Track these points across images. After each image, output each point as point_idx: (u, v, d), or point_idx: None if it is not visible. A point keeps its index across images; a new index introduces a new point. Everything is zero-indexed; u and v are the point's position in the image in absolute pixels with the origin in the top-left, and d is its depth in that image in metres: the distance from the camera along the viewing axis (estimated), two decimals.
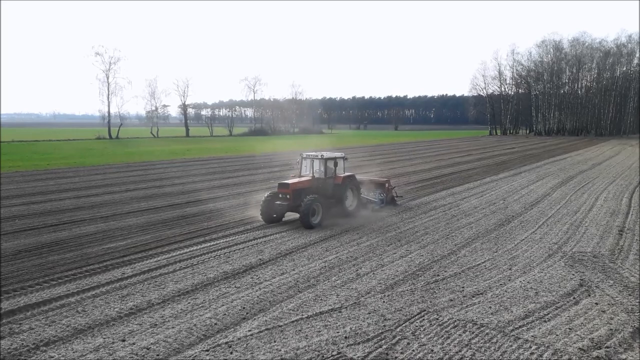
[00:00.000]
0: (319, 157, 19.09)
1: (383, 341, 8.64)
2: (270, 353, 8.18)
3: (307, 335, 8.89)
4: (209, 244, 15.27)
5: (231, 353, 8.20)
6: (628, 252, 14.61)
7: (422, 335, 8.88)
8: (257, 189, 26.74)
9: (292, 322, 9.48)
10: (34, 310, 10.07)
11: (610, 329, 9.19)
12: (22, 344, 8.56)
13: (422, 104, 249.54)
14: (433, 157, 50.85)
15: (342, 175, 19.28)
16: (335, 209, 18.71)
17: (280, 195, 17.93)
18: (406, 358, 8.05)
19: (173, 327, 9.21)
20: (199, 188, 27.67)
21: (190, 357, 8.08)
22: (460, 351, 8.26)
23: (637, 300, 10.66)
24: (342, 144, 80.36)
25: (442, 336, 8.85)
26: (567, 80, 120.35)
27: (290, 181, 18.41)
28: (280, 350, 8.26)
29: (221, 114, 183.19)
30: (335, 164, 19.05)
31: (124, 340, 8.68)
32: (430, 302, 10.58)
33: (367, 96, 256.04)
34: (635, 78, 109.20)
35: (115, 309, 10.09)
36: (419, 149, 66.71)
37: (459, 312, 9.96)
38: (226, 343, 8.55)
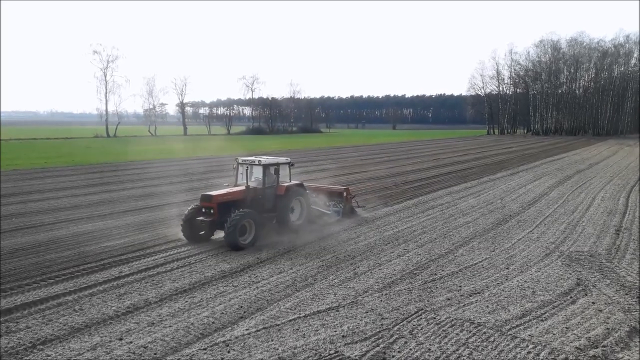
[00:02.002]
0: (256, 162, 16.16)
1: (380, 340, 8.65)
2: (267, 352, 8.18)
3: (304, 334, 8.89)
4: (206, 243, 15.24)
5: (228, 352, 8.20)
6: (625, 251, 14.66)
7: (419, 334, 8.90)
8: None
9: (290, 321, 9.48)
10: (31, 308, 10.04)
11: (607, 328, 9.22)
12: (19, 342, 8.54)
13: (420, 103, 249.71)
14: (431, 157, 50.89)
15: (286, 184, 16.61)
16: (277, 224, 16.28)
17: (203, 210, 15.05)
18: (403, 357, 8.06)
19: (170, 326, 9.21)
20: (197, 187, 27.65)
21: (187, 355, 8.08)
22: (457, 350, 8.28)
23: (634, 300, 10.70)
24: (340, 143, 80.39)
25: (440, 335, 8.87)
26: (565, 80, 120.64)
27: (214, 192, 15.44)
28: (277, 349, 8.26)
29: (219, 112, 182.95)
30: (277, 171, 16.39)
31: (121, 339, 8.67)
32: (428, 301, 10.60)
33: (365, 95, 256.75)
34: (633, 78, 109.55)
35: (113, 308, 10.07)
36: (416, 148, 66.76)
37: (457, 311, 9.98)
38: (224, 342, 8.55)
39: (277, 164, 16.58)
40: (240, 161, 16.65)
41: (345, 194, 19.47)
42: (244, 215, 14.49)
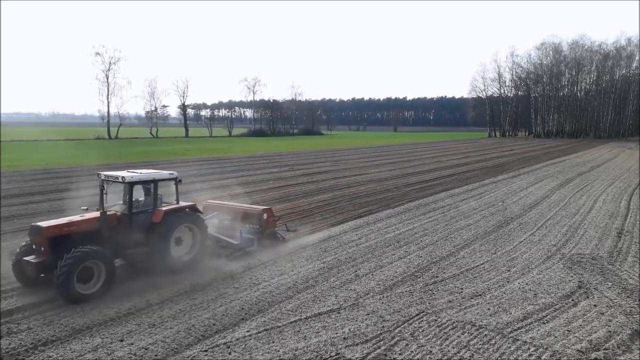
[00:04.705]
0: (119, 179, 11.97)
1: (381, 342, 8.64)
2: (268, 354, 8.18)
3: (305, 336, 8.89)
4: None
5: (229, 354, 8.20)
6: (626, 254, 14.63)
7: (420, 337, 8.88)
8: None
9: (291, 322, 9.48)
10: (32, 310, 10.05)
11: (609, 331, 9.20)
12: (20, 343, 8.55)
13: (422, 105, 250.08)
14: (432, 159, 50.87)
15: (166, 207, 12.43)
16: (154, 262, 11.90)
17: (33, 247, 11.06)
18: (405, 359, 8.04)
19: (171, 328, 9.21)
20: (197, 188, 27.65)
21: (188, 357, 8.08)
22: (458, 352, 8.26)
23: (636, 303, 10.68)
24: (341, 145, 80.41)
25: (441, 337, 8.85)
26: (566, 83, 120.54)
27: (46, 223, 11.05)
28: (278, 351, 8.26)
29: (220, 114, 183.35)
30: (151, 191, 12.35)
31: (122, 341, 8.67)
32: (429, 303, 10.58)
33: (366, 97, 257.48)
34: (635, 81, 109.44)
35: (114, 309, 10.08)
36: (418, 150, 66.72)
37: (458, 314, 9.96)
38: (224, 343, 8.55)
39: (153, 181, 12.34)
40: (102, 177, 12.41)
41: (265, 215, 15.19)
42: (85, 254, 10.44)
